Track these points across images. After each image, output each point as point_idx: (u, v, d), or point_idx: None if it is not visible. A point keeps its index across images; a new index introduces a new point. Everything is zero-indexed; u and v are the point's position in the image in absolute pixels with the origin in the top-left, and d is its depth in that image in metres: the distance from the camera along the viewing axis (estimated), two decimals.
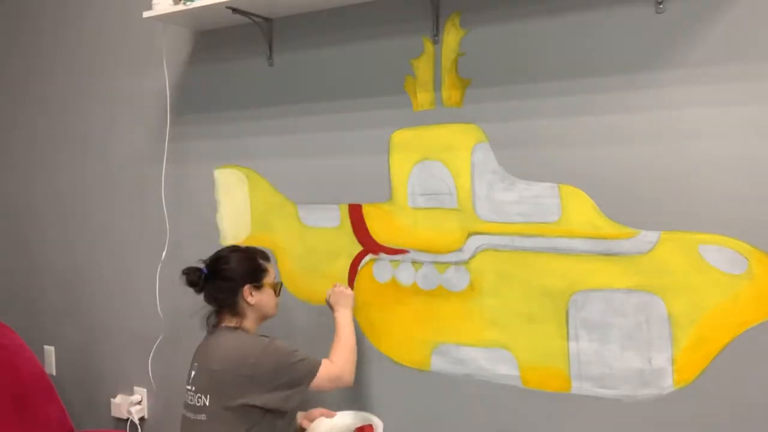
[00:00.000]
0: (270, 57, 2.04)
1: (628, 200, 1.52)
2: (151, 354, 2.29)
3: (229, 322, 1.69)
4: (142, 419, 2.39)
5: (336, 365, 1.66)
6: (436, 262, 1.77)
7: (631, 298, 1.52)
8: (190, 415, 1.63)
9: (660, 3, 1.48)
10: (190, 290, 2.28)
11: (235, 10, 1.86)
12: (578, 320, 1.59)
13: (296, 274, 2.02)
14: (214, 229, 2.18)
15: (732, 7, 1.41)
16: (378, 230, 1.87)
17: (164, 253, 2.24)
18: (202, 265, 1.70)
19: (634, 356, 1.53)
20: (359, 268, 1.91)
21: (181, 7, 1.90)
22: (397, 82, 1.82)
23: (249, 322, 1.70)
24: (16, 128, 2.73)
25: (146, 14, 1.98)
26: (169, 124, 2.22)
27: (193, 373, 1.66)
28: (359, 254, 1.90)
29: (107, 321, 2.48)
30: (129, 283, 2.40)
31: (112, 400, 2.45)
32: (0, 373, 2.12)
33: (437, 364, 1.79)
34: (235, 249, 1.75)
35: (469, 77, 1.71)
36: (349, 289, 1.84)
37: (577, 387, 1.60)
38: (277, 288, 1.76)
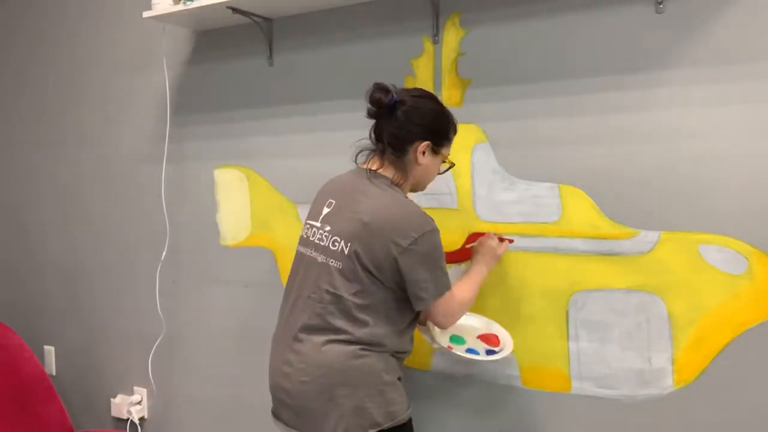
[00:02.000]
0: (270, 57, 2.04)
1: (628, 200, 1.52)
2: (151, 354, 2.29)
3: (385, 170, 1.47)
4: (142, 419, 2.39)
5: (451, 306, 1.45)
6: None
7: (631, 298, 1.52)
8: (316, 255, 1.45)
9: (660, 3, 1.48)
10: (190, 290, 2.29)
11: (235, 10, 1.86)
12: (578, 320, 1.59)
13: None
14: (214, 229, 2.18)
15: (732, 7, 1.41)
16: None
17: (164, 253, 2.24)
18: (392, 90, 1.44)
19: (634, 356, 1.53)
20: None
21: (181, 7, 1.90)
22: (397, 82, 1.81)
23: (405, 184, 1.48)
24: (14, 128, 2.73)
25: (146, 14, 1.98)
26: (169, 124, 2.22)
27: (325, 210, 1.46)
28: None
29: (107, 321, 2.48)
30: (129, 283, 2.40)
31: (112, 400, 2.45)
32: (0, 373, 2.12)
33: (437, 364, 1.79)
34: (433, 96, 1.49)
35: (469, 77, 1.71)
36: (502, 246, 1.62)
37: (577, 387, 1.60)
38: (447, 166, 1.52)
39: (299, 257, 1.53)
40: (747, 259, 1.41)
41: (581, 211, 1.58)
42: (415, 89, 1.51)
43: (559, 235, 1.60)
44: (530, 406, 1.66)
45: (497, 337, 1.62)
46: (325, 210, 1.48)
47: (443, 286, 1.43)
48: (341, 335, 1.40)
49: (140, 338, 2.35)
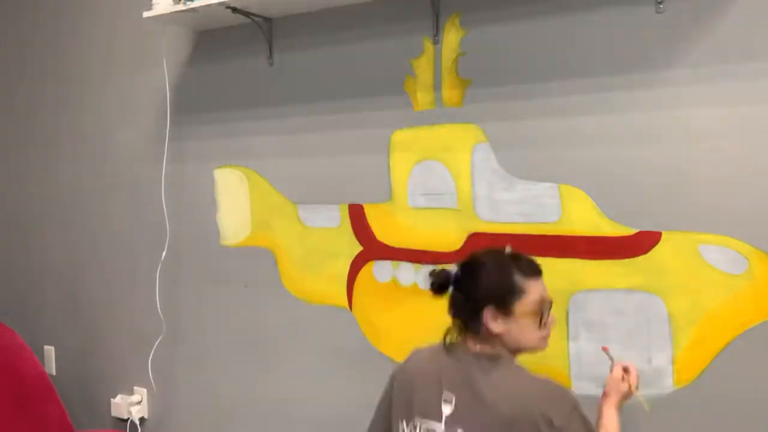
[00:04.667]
0: (270, 57, 2.04)
1: (628, 200, 1.52)
2: (151, 354, 2.29)
3: (481, 348, 1.30)
4: (142, 419, 2.39)
5: None
6: (437, 263, 1.77)
7: (631, 298, 1.52)
8: None
9: (660, 3, 1.48)
10: (190, 290, 2.29)
11: (235, 10, 1.86)
12: (578, 320, 1.59)
13: (296, 274, 2.02)
14: (214, 229, 2.18)
15: (732, 7, 1.41)
16: (378, 230, 1.87)
17: (164, 253, 2.24)
18: (454, 268, 1.33)
19: (634, 356, 1.52)
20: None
21: (181, 7, 1.90)
22: (397, 82, 1.82)
23: (505, 353, 1.30)
24: (15, 128, 2.73)
25: (146, 14, 1.98)
26: (169, 124, 2.22)
27: (448, 410, 1.27)
28: (359, 254, 1.90)
29: (107, 321, 2.48)
30: (129, 283, 2.40)
31: (112, 400, 2.45)
32: (0, 373, 2.12)
33: None
34: (496, 253, 1.34)
35: (469, 77, 1.71)
36: (631, 383, 1.36)
37: (577, 387, 1.60)
38: (543, 318, 1.30)
39: None
40: (747, 259, 1.41)
41: (581, 211, 1.58)
42: (477, 253, 1.36)
43: (559, 235, 1.60)
44: None
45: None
46: (448, 410, 1.27)
47: None
48: None
49: (140, 338, 2.35)
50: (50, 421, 2.18)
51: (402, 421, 1.34)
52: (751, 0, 1.39)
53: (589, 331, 1.58)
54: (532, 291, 1.29)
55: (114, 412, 2.44)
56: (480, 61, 1.70)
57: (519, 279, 1.28)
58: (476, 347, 1.30)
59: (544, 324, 1.31)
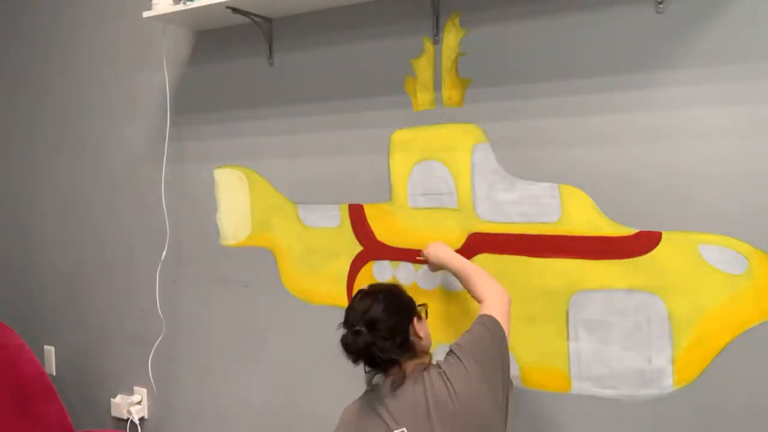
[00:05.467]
0: (270, 57, 2.04)
1: (628, 200, 1.52)
2: (151, 354, 2.29)
3: (415, 365, 1.42)
4: (142, 419, 2.39)
5: (495, 301, 1.46)
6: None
7: (631, 298, 1.52)
8: None
9: (660, 3, 1.48)
10: (190, 290, 2.29)
11: (235, 10, 1.86)
12: (578, 320, 1.59)
13: (296, 274, 2.02)
14: (214, 229, 2.18)
15: (732, 7, 1.41)
16: (378, 230, 1.87)
17: (164, 253, 2.24)
18: (343, 331, 1.43)
19: (634, 356, 1.53)
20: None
21: (181, 7, 1.90)
22: (397, 82, 1.82)
23: (427, 359, 1.46)
24: (15, 128, 2.73)
25: (146, 14, 1.98)
26: (169, 124, 2.22)
27: None
28: (359, 254, 1.90)
29: (107, 321, 2.48)
30: (129, 283, 2.40)
31: (112, 400, 2.45)
32: (0, 373, 2.12)
33: None
34: (365, 292, 1.47)
35: (469, 77, 1.71)
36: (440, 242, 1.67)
37: (577, 387, 1.60)
38: (424, 311, 1.53)
39: None
40: (747, 259, 1.41)
41: (581, 211, 1.58)
42: (362, 304, 1.44)
43: (559, 235, 1.60)
44: (530, 406, 1.66)
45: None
46: None
47: (497, 329, 1.40)
48: None
49: (140, 338, 2.35)
50: (50, 421, 2.18)
51: None
52: (751, 0, 1.39)
53: (589, 331, 1.58)
54: (412, 296, 1.51)
55: (114, 412, 2.45)
56: (480, 61, 1.70)
57: (402, 291, 1.49)
58: (410, 367, 1.41)
59: (426, 316, 1.53)
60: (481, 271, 1.56)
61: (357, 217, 1.90)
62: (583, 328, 1.59)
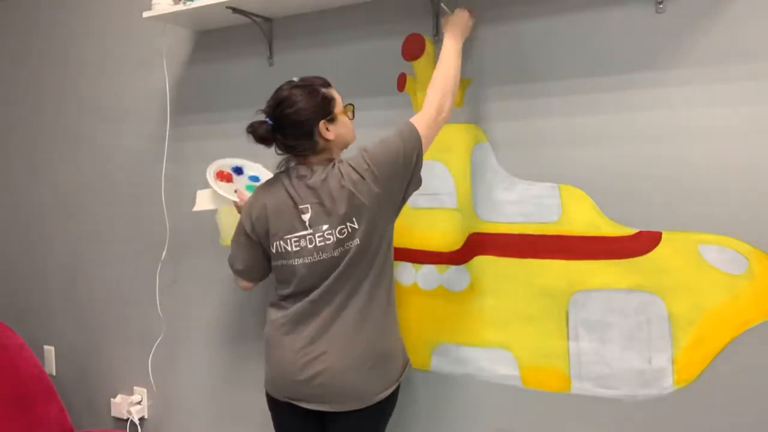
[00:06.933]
0: (270, 57, 2.04)
1: (628, 200, 1.52)
2: (151, 354, 2.29)
3: (319, 159, 1.54)
4: (142, 419, 2.40)
5: (426, 109, 1.52)
6: (436, 262, 1.77)
7: (631, 298, 1.52)
8: (319, 255, 1.49)
9: (660, 3, 1.48)
10: (190, 290, 2.28)
11: (235, 10, 1.87)
12: (578, 320, 1.59)
13: None
14: (214, 229, 2.18)
15: (731, 7, 1.41)
16: None
17: (164, 253, 2.24)
18: (263, 116, 1.54)
19: (635, 356, 1.53)
20: None
21: (181, 7, 1.90)
22: (396, 82, 1.82)
23: (335, 155, 1.57)
24: (16, 128, 2.73)
25: (146, 14, 1.98)
26: (169, 124, 2.22)
27: (307, 215, 1.50)
28: None
29: (107, 321, 2.48)
30: (129, 283, 2.40)
31: (112, 400, 2.45)
32: (0, 373, 2.12)
33: (437, 364, 1.79)
34: (293, 86, 1.53)
35: (469, 77, 1.71)
36: (472, 18, 1.64)
37: (577, 387, 1.60)
38: (350, 112, 1.59)
39: (302, 266, 1.53)
40: (747, 259, 1.41)
41: (581, 211, 1.58)
42: (278, 90, 1.54)
43: (559, 235, 1.60)
44: (530, 406, 1.66)
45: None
46: (308, 215, 1.51)
47: (411, 134, 1.49)
48: None
49: (140, 338, 2.35)
50: (50, 421, 2.18)
51: (272, 245, 1.56)
52: (751, 0, 1.40)
53: (589, 331, 1.58)
54: (335, 95, 1.56)
55: (114, 412, 2.45)
56: (480, 61, 1.70)
57: (324, 90, 1.53)
58: (315, 160, 1.54)
59: (352, 117, 1.60)
60: (450, 64, 1.54)
61: None
62: (583, 328, 1.59)
